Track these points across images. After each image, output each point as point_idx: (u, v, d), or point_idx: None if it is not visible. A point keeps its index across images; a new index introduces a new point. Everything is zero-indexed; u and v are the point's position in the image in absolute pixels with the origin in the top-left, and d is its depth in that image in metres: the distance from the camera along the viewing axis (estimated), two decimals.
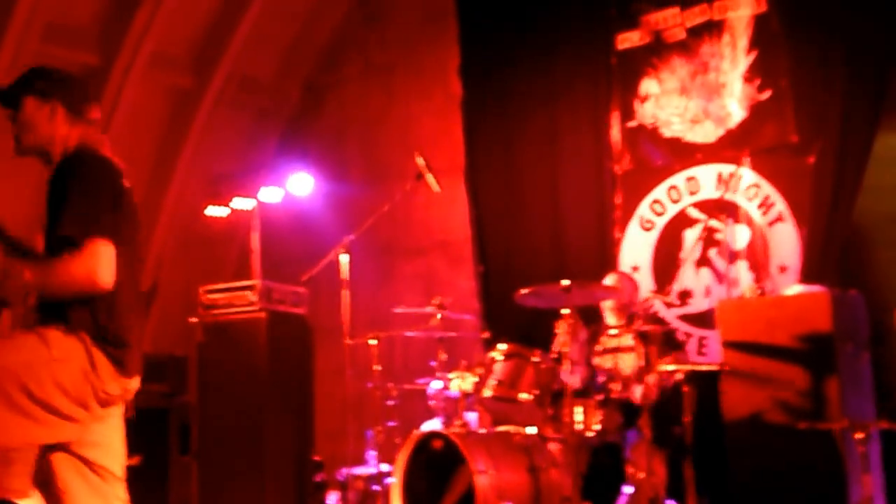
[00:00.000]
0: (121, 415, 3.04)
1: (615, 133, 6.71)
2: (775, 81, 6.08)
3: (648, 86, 6.60)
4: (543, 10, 7.04)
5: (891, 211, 5.85)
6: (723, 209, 6.05)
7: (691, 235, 6.29)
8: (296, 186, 6.81)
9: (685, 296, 6.27)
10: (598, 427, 4.89)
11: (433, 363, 5.71)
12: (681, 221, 6.40)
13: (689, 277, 6.25)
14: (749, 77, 6.19)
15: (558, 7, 6.99)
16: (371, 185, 7.91)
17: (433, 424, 5.73)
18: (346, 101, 8.48)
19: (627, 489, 4.80)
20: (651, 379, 4.91)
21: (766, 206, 6.06)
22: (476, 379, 5.24)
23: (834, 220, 5.77)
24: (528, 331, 6.07)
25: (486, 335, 6.36)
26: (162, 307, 7.65)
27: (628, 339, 5.34)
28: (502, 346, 5.19)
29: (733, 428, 4.94)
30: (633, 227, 6.59)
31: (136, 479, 3.28)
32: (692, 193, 6.39)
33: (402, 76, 8.12)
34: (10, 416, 2.76)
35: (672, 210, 6.46)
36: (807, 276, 5.75)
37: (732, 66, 6.26)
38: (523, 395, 5.00)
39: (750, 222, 6.09)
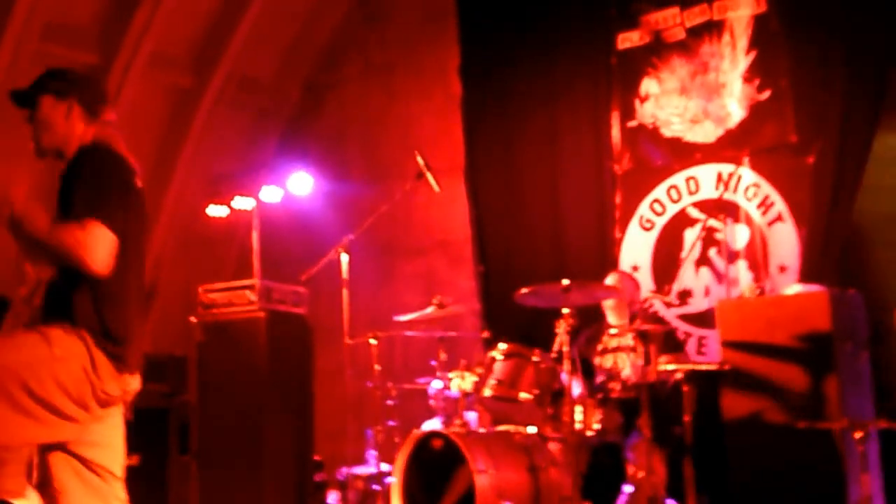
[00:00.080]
0: (121, 415, 3.04)
1: (615, 133, 6.72)
2: (775, 81, 6.08)
3: (648, 86, 6.60)
4: (543, 10, 7.04)
5: (890, 211, 5.86)
6: (722, 209, 6.05)
7: (691, 235, 6.30)
8: (296, 186, 6.80)
9: (685, 295, 6.28)
10: (597, 426, 4.89)
11: (433, 363, 5.71)
12: (681, 221, 6.41)
13: (689, 277, 6.26)
14: (749, 77, 6.19)
15: (558, 7, 6.99)
16: (371, 184, 7.91)
17: (433, 424, 5.74)
18: (346, 101, 8.48)
19: (627, 488, 4.81)
20: (650, 377, 4.91)
21: (765, 205, 6.07)
22: (476, 378, 5.24)
23: (833, 219, 5.77)
24: (528, 330, 6.08)
25: (486, 335, 6.36)
26: (162, 307, 7.64)
27: (629, 339, 5.35)
28: (502, 346, 5.19)
29: (733, 427, 4.95)
30: (633, 226, 6.59)
31: (135, 479, 3.28)
32: (692, 193, 6.39)
33: (402, 76, 8.12)
34: (10, 415, 2.76)
35: (672, 210, 6.46)
36: (806, 275, 5.75)
37: (732, 65, 6.26)
38: (523, 395, 5.00)
39: (749, 222, 6.10)
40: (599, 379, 5.38)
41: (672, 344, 5.39)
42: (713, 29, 6.33)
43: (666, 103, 6.52)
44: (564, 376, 4.81)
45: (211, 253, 8.35)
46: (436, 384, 5.77)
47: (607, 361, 5.45)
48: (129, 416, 3.07)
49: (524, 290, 4.97)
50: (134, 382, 3.00)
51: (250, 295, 5.90)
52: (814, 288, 5.14)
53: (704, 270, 6.26)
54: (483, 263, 7.22)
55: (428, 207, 7.58)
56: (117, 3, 7.22)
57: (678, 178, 6.45)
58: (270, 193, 6.59)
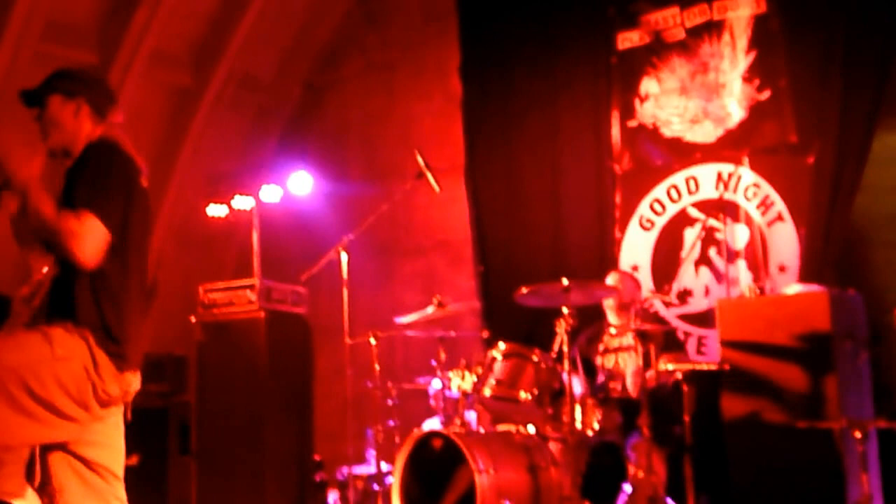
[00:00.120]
0: (121, 415, 3.04)
1: (615, 133, 6.72)
2: (774, 81, 6.09)
3: (648, 85, 6.60)
4: (544, 10, 7.04)
5: (889, 211, 5.86)
6: (722, 209, 6.06)
7: (691, 235, 6.30)
8: (295, 186, 6.80)
9: (685, 295, 6.28)
10: (597, 426, 4.90)
11: (433, 362, 5.71)
12: (680, 221, 6.41)
13: (689, 277, 6.26)
14: (748, 77, 6.20)
15: (558, 7, 6.99)
16: (371, 184, 7.91)
17: (433, 424, 5.74)
18: (346, 101, 8.48)
19: (627, 488, 4.81)
20: (650, 375, 4.91)
21: (765, 205, 6.07)
22: (476, 378, 5.24)
23: (833, 219, 5.78)
24: (528, 330, 6.08)
25: (486, 334, 6.37)
26: (161, 306, 7.63)
27: (629, 339, 5.35)
28: (502, 346, 5.19)
29: (732, 427, 4.95)
30: (633, 226, 6.60)
31: (135, 479, 3.28)
32: (692, 193, 6.39)
33: (403, 76, 8.12)
34: (11, 415, 2.75)
35: (672, 209, 6.47)
36: (806, 275, 5.76)
37: (732, 66, 6.26)
38: (523, 395, 5.00)
39: (749, 222, 6.10)
40: (601, 378, 5.38)
41: (672, 344, 5.40)
42: (713, 29, 6.34)
43: (666, 103, 6.53)
44: (564, 376, 4.81)
45: (210, 252, 8.35)
46: (436, 384, 5.77)
47: (609, 361, 5.46)
48: (129, 417, 3.06)
49: (524, 290, 4.97)
50: (135, 381, 3.00)
51: (250, 295, 5.90)
52: (813, 288, 5.14)
53: (704, 270, 6.26)
54: (483, 263, 7.22)
55: (428, 207, 7.58)
56: (117, 3, 7.22)
57: (678, 178, 6.46)
58: (270, 193, 6.59)
